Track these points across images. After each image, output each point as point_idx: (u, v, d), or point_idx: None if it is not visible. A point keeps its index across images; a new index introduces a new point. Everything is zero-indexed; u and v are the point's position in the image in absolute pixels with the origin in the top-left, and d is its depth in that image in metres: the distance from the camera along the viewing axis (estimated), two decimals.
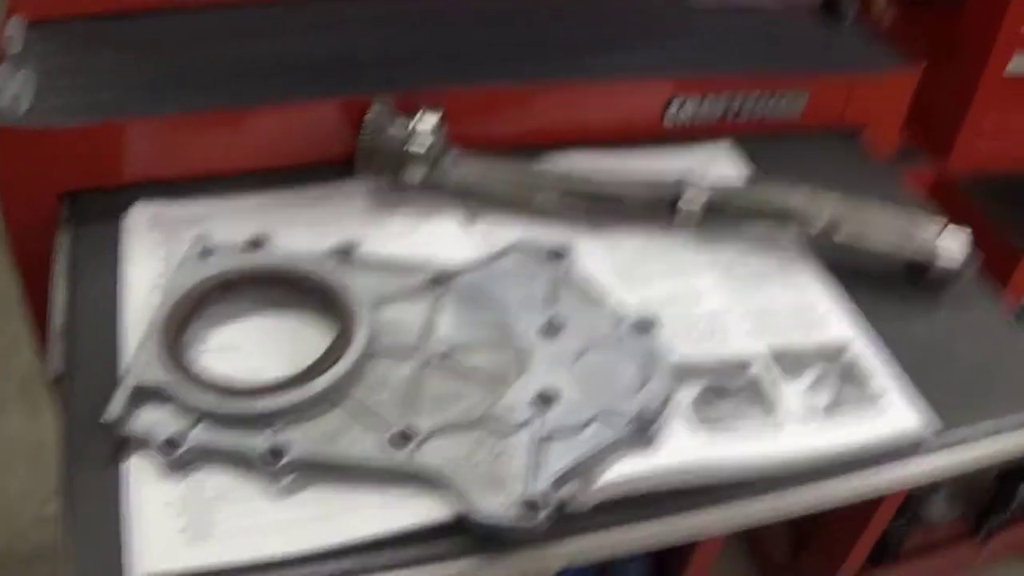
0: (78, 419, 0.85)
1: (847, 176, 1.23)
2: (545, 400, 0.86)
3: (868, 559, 1.79)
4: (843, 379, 0.95)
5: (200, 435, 0.81)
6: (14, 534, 1.95)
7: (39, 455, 2.07)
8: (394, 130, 1.02)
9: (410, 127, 1.02)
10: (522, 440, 0.83)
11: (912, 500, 1.85)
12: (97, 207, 1.03)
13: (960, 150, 1.63)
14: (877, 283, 1.08)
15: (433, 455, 0.81)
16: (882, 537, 1.78)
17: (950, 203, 1.56)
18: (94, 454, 0.82)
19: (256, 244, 0.97)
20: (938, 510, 1.93)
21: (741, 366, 0.95)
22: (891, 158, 1.35)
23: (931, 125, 1.59)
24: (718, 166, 1.18)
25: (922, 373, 0.98)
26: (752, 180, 1.15)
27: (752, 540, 2.01)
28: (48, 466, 2.03)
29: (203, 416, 0.82)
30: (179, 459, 0.80)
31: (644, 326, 0.93)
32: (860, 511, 1.45)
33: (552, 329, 0.92)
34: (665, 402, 0.87)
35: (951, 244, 1.07)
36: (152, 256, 0.98)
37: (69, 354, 0.90)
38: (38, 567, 1.90)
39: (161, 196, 1.04)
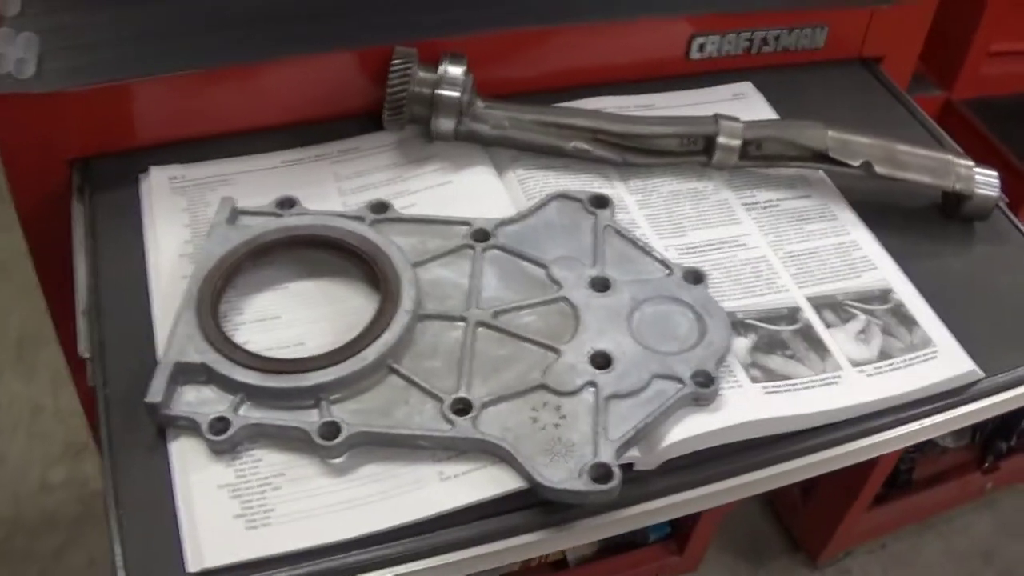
0: (114, 402, 0.81)
1: (871, 108, 1.21)
2: (603, 359, 0.83)
3: (881, 487, 1.80)
4: (891, 324, 0.93)
5: (248, 413, 0.78)
6: (20, 502, 1.92)
7: (38, 420, 2.04)
8: (423, 77, 0.98)
9: (439, 72, 0.98)
10: (584, 402, 0.80)
11: None
12: (110, 173, 0.99)
13: (966, 76, 1.61)
14: (907, 221, 1.06)
15: (493, 423, 0.78)
16: (894, 467, 1.78)
17: (956, 128, 1.54)
18: (136, 439, 0.78)
19: (285, 205, 0.93)
20: (945, 438, 1.93)
21: (791, 313, 0.92)
22: (907, 87, 1.32)
23: (937, 52, 1.57)
24: (743, 107, 1.14)
25: (961, 310, 0.96)
26: (782, 120, 1.11)
27: None
28: (48, 431, 2.01)
29: (249, 393, 0.79)
30: (229, 440, 0.76)
31: (696, 276, 0.90)
32: None
33: (602, 283, 0.88)
34: (724, 356, 0.85)
35: (988, 175, 1.04)
36: (175, 222, 0.94)
37: (98, 333, 0.86)
38: (46, 538, 1.87)
39: (176, 158, 1.00)
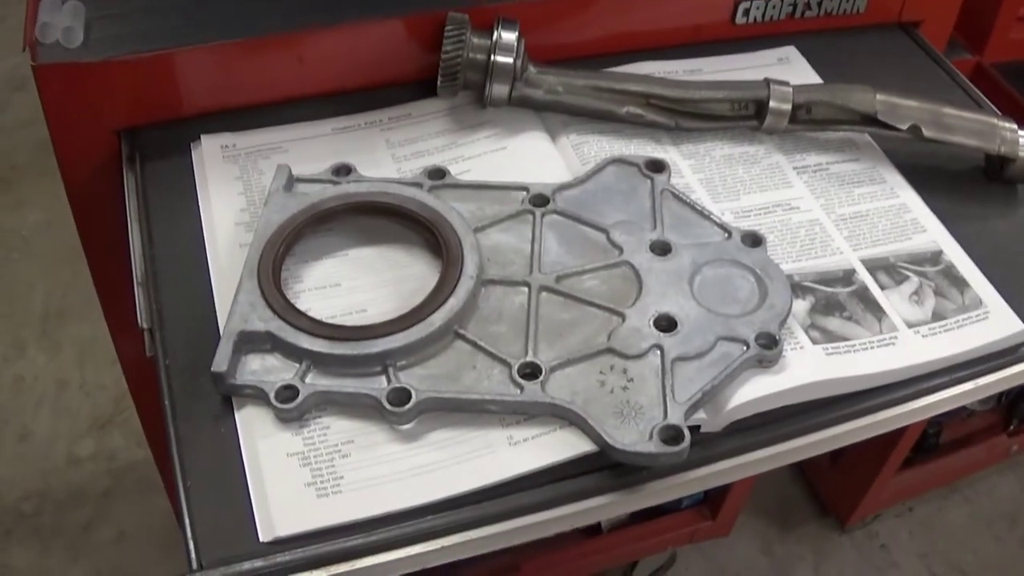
0: (176, 373, 0.81)
1: (911, 72, 1.21)
2: (668, 322, 0.83)
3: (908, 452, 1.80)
4: (943, 286, 0.93)
5: (315, 381, 0.78)
6: (47, 477, 1.92)
7: (63, 394, 2.04)
8: (477, 43, 0.98)
9: (494, 38, 0.97)
10: (651, 365, 0.80)
11: None
12: (159, 142, 0.99)
13: (995, 40, 1.60)
14: (952, 183, 1.06)
15: (562, 387, 0.78)
16: (921, 432, 1.79)
17: (987, 92, 1.54)
18: (200, 409, 0.78)
19: (341, 172, 0.92)
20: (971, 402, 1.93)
21: (847, 276, 0.92)
22: (943, 52, 1.32)
23: (967, 17, 1.56)
24: (788, 71, 1.14)
25: (1008, 272, 0.96)
26: (831, 84, 1.11)
27: None
28: (74, 405, 2.02)
29: (315, 361, 0.79)
30: (297, 407, 0.76)
31: (754, 240, 0.90)
32: None
33: (662, 247, 0.88)
34: (786, 318, 0.85)
35: None
36: (229, 191, 0.94)
37: (157, 304, 0.86)
38: (75, 512, 1.87)
39: (225, 127, 1.00)
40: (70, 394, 2.04)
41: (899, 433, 1.72)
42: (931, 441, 1.91)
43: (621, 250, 0.88)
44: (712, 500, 1.74)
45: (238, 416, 0.77)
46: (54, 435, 1.98)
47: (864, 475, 1.84)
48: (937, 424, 1.90)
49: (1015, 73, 1.59)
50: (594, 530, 1.72)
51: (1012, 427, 1.97)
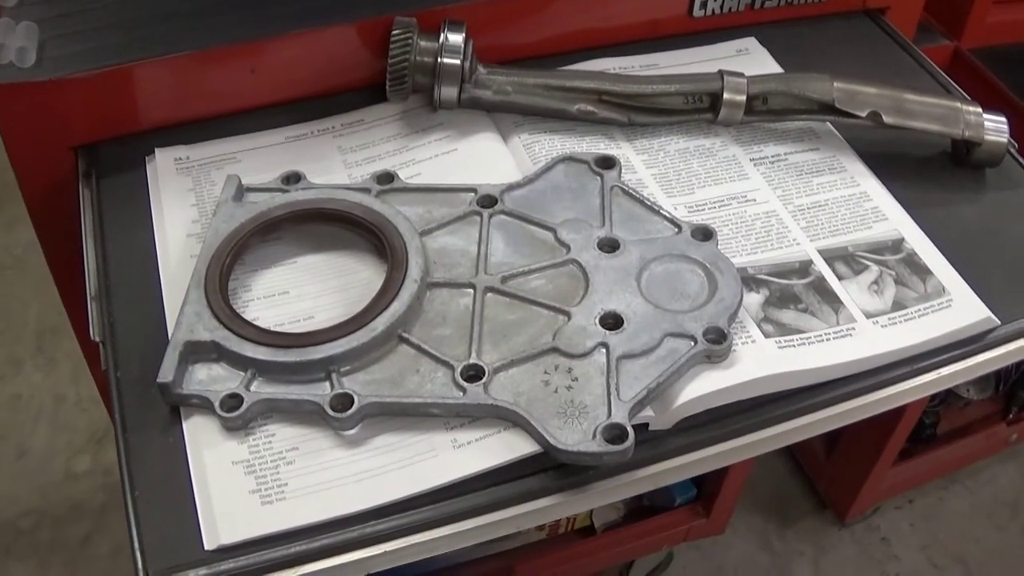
0: (127, 384, 0.81)
1: (877, 59, 1.20)
2: (614, 319, 0.82)
3: (906, 442, 1.79)
4: (904, 274, 0.92)
5: (260, 389, 0.78)
6: (45, 493, 1.93)
7: (60, 410, 2.05)
8: (424, 46, 0.98)
9: (440, 41, 0.97)
10: (596, 364, 0.79)
11: None
12: (115, 157, 0.99)
13: (972, 25, 1.59)
14: (917, 170, 1.05)
15: (505, 388, 0.78)
16: (918, 421, 1.77)
17: (966, 77, 1.53)
18: (148, 419, 0.79)
19: (291, 180, 0.93)
20: (968, 390, 1.92)
21: (803, 267, 0.91)
22: (912, 38, 1.31)
23: (943, 2, 1.55)
24: (747, 63, 1.13)
25: (975, 258, 0.95)
26: (787, 73, 1.10)
27: None
28: (71, 421, 2.02)
29: (260, 369, 0.79)
30: (242, 416, 0.76)
31: (705, 233, 0.89)
32: None
33: (610, 243, 0.88)
34: (736, 312, 0.84)
35: (997, 120, 1.03)
36: (182, 203, 0.94)
37: (109, 317, 0.86)
38: (72, 527, 1.88)
39: (181, 139, 1.00)
40: (67, 409, 2.05)
41: (893, 424, 1.71)
42: (928, 432, 1.90)
43: (568, 248, 0.88)
44: (705, 498, 1.73)
45: (185, 426, 0.78)
46: (52, 451, 1.99)
47: (861, 467, 1.83)
48: (934, 414, 1.89)
49: (994, 57, 1.58)
50: (588, 531, 1.72)
51: (1011, 415, 1.96)
